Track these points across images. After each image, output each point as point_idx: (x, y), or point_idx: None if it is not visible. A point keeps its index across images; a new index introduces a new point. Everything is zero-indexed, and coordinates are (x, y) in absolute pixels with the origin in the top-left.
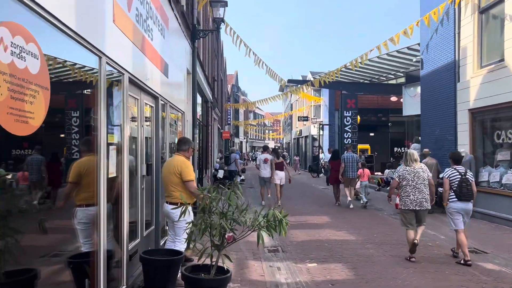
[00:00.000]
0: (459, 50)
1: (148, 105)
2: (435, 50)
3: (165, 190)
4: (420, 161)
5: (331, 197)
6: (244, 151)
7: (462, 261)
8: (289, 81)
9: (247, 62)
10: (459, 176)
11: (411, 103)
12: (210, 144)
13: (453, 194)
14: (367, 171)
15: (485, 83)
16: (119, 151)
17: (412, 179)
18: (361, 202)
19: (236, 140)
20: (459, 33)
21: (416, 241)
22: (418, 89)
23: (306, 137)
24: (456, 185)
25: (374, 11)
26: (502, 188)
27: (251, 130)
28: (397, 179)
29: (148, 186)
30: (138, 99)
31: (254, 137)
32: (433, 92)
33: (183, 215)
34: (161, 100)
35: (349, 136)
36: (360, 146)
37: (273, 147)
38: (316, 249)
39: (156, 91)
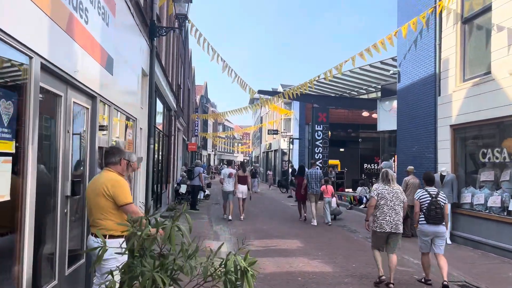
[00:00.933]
0: (440, 62)
1: (82, 106)
2: (414, 62)
3: (89, 217)
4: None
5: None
6: (212, 164)
7: (422, 280)
8: (259, 91)
9: (217, 73)
10: (429, 198)
11: (386, 117)
12: (173, 156)
13: (423, 216)
14: (330, 187)
15: (469, 97)
16: (17, 163)
17: (391, 199)
18: (328, 219)
19: (204, 153)
20: (440, 44)
21: (392, 285)
22: (394, 103)
23: (275, 151)
24: (425, 208)
25: (345, 30)
26: (487, 211)
27: (219, 142)
28: (375, 197)
29: (76, 209)
30: (61, 96)
31: (223, 150)
32: (411, 106)
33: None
34: (102, 101)
35: (320, 151)
36: (330, 162)
37: (241, 160)
38: (287, 285)
39: (93, 89)
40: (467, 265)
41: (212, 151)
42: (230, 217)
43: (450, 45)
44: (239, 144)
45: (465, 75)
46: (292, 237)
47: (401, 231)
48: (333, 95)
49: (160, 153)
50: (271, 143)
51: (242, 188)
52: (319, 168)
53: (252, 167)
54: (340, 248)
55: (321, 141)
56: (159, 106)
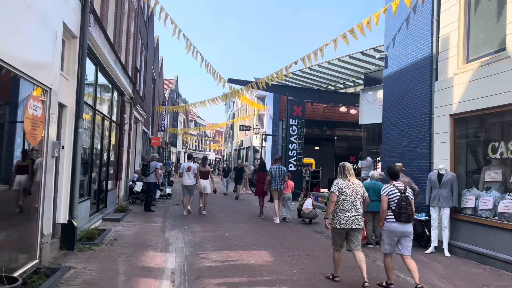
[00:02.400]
0: (437, 41)
1: None
2: (404, 44)
3: None
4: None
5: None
6: (182, 161)
7: (384, 283)
8: (230, 80)
9: (191, 70)
10: (399, 194)
11: (370, 110)
12: (127, 148)
13: (391, 214)
14: (291, 183)
15: (475, 80)
16: None
17: (351, 194)
18: (287, 215)
19: (174, 150)
20: (438, 20)
21: (366, 283)
22: (379, 93)
23: (247, 148)
24: (395, 204)
25: (322, 27)
26: (497, 218)
27: (191, 140)
28: (336, 193)
29: None
30: None
31: (194, 148)
32: (400, 95)
33: None
34: None
35: (295, 148)
36: (304, 160)
37: (204, 156)
38: None
39: None
40: None
41: (183, 148)
42: (185, 213)
43: (451, 21)
44: (211, 142)
45: (470, 55)
46: (259, 246)
47: (362, 226)
48: (310, 88)
49: (106, 143)
50: (243, 140)
51: (204, 183)
52: (282, 165)
53: (225, 165)
54: (320, 262)
55: (296, 137)
56: (106, 88)
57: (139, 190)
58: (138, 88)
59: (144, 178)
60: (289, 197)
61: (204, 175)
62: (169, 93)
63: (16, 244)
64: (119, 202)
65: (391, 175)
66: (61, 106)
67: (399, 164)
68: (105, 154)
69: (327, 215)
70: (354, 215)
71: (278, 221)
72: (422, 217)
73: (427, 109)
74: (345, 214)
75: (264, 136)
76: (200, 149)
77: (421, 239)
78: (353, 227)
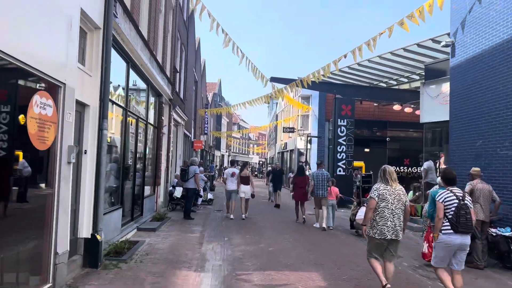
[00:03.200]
0: None
1: None
2: (476, 27)
3: None
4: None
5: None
6: (225, 165)
7: None
8: (272, 79)
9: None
10: (456, 201)
11: (432, 106)
12: (165, 152)
13: (448, 224)
14: (335, 189)
15: None
16: None
17: (392, 202)
18: (328, 224)
19: (217, 153)
20: None
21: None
22: (444, 86)
23: (291, 151)
24: (452, 213)
25: (368, 26)
26: None
27: (234, 143)
28: (376, 199)
29: None
30: None
31: (237, 151)
32: (472, 87)
33: None
34: None
35: (343, 150)
36: (354, 164)
37: (245, 161)
38: None
39: None
40: None
41: (226, 151)
42: (232, 216)
43: None
44: (255, 145)
45: None
46: (310, 266)
47: (401, 237)
48: (359, 85)
49: (142, 146)
50: (286, 143)
51: (245, 188)
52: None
53: (270, 168)
54: None
55: (344, 138)
56: (142, 87)
57: (179, 196)
58: (177, 90)
59: (184, 184)
60: (333, 204)
61: (244, 180)
62: (212, 97)
63: (26, 265)
64: (157, 209)
65: (448, 180)
66: (82, 105)
67: (476, 169)
68: (141, 158)
69: (364, 222)
70: (395, 225)
71: (318, 226)
72: (508, 232)
73: (511, 102)
74: (386, 223)
75: (309, 138)
76: (243, 152)
77: (506, 259)
78: (394, 238)
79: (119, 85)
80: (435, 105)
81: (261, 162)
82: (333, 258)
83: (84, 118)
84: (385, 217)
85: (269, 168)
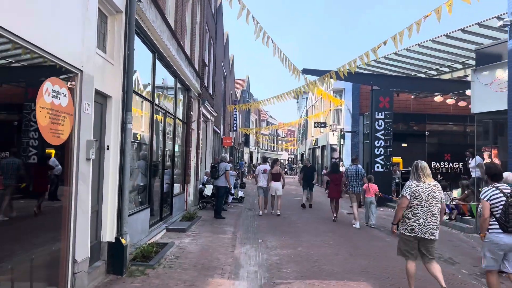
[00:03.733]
0: None
1: None
2: None
3: None
4: None
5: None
6: (254, 161)
7: None
8: (305, 71)
9: (260, 68)
10: (504, 199)
11: (485, 94)
12: (195, 149)
13: (495, 223)
14: (373, 186)
15: None
16: None
17: (426, 199)
18: (373, 221)
19: (246, 150)
20: None
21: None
22: (500, 72)
23: (323, 147)
24: (499, 211)
25: (394, 23)
26: None
27: (263, 140)
28: (408, 197)
29: None
30: None
31: (266, 148)
32: None
33: None
34: None
35: (382, 145)
36: (392, 160)
37: (275, 158)
38: None
39: None
40: None
41: (255, 148)
42: (261, 212)
43: None
44: (284, 142)
45: None
46: (357, 275)
47: (436, 238)
48: (397, 75)
49: (171, 143)
50: (318, 138)
51: (276, 185)
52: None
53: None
54: None
55: (382, 132)
56: (169, 81)
57: (209, 194)
58: (206, 85)
59: (214, 181)
60: (372, 202)
61: (275, 177)
62: (240, 93)
63: (42, 273)
64: (187, 207)
65: (493, 176)
66: (104, 96)
67: None
68: (170, 155)
69: (394, 220)
70: (429, 223)
71: (358, 226)
72: None
73: None
74: (419, 221)
75: (342, 133)
76: (272, 149)
77: None
78: (426, 237)
79: (144, 77)
80: (488, 93)
81: (290, 159)
82: (382, 265)
83: (106, 110)
84: (418, 214)
85: (300, 165)
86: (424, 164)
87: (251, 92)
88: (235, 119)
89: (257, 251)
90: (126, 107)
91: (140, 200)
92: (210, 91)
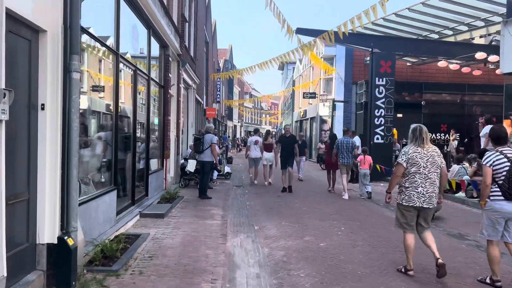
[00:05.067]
0: None
1: None
2: None
3: None
4: None
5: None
6: (238, 135)
7: (488, 279)
8: (299, 30)
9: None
10: (508, 164)
11: None
12: (175, 119)
13: (498, 190)
14: (368, 158)
15: None
16: None
17: (425, 166)
18: (364, 193)
19: (230, 124)
20: None
21: (440, 260)
22: None
23: (312, 119)
24: (502, 177)
25: None
26: None
27: (246, 113)
28: (404, 164)
29: None
30: None
31: (250, 121)
32: None
33: None
34: None
35: (382, 114)
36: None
37: (267, 129)
38: None
39: None
40: None
41: (238, 122)
42: (255, 181)
43: None
44: (267, 115)
45: None
46: (392, 275)
47: (435, 205)
48: (401, 36)
49: (144, 109)
50: (306, 110)
51: (268, 155)
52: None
53: (299, 139)
54: None
55: (383, 100)
56: (140, 31)
57: (192, 170)
58: (187, 45)
59: (198, 156)
60: (366, 173)
61: (267, 148)
62: (223, 63)
63: None
64: (167, 186)
65: (496, 138)
66: (34, 30)
67: None
68: (144, 125)
69: (389, 189)
70: (428, 191)
71: (346, 197)
72: None
73: None
74: (417, 189)
75: (333, 103)
76: (256, 122)
77: None
78: (425, 206)
79: (106, 23)
80: None
81: (273, 132)
82: (420, 260)
83: (39, 52)
84: (416, 182)
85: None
86: (424, 128)
87: (234, 64)
88: (218, 89)
89: (254, 242)
90: (71, 49)
91: (103, 180)
92: (192, 54)
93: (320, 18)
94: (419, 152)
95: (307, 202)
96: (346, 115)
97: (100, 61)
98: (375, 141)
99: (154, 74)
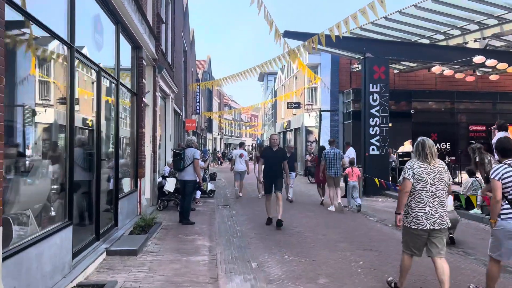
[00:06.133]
0: None
1: None
2: None
3: None
4: None
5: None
6: (218, 148)
7: None
8: (286, 33)
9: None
10: None
11: None
12: (149, 130)
13: (508, 206)
14: (356, 170)
15: None
16: None
17: (432, 182)
18: (353, 206)
19: (209, 136)
20: None
21: None
22: None
23: (297, 130)
24: None
25: None
26: None
27: (226, 125)
28: (411, 180)
29: None
30: None
31: (229, 134)
32: None
33: None
34: None
35: (377, 123)
36: None
37: (251, 144)
38: None
39: None
40: None
41: (218, 134)
42: (241, 194)
43: None
44: (247, 127)
45: None
46: None
47: (447, 225)
48: (393, 40)
49: (113, 119)
50: (290, 121)
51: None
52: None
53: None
54: None
55: (377, 108)
56: (107, 27)
57: (171, 190)
58: (164, 49)
59: (178, 174)
60: (355, 186)
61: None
62: (202, 75)
63: None
64: (141, 210)
65: (502, 150)
66: None
67: None
68: (111, 138)
69: (398, 209)
70: (437, 211)
71: (332, 209)
72: None
73: None
74: (425, 209)
75: (319, 113)
76: (235, 134)
77: None
78: (436, 227)
79: (58, 14)
80: None
81: (254, 145)
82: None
83: None
84: (423, 201)
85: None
86: (430, 142)
87: (213, 75)
88: (197, 101)
89: (253, 280)
90: None
91: (52, 214)
92: (169, 60)
93: (304, 22)
94: (425, 167)
95: (306, 225)
96: (334, 125)
97: (46, 54)
98: (371, 152)
99: (125, 79)
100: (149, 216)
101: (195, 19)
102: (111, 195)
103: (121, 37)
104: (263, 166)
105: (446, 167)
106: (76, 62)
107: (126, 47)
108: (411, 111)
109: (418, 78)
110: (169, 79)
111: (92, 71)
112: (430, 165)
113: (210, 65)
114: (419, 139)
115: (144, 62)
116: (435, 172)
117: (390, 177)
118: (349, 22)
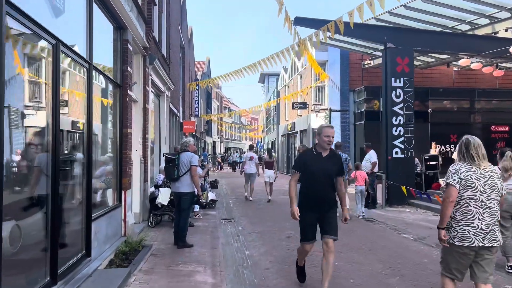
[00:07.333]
0: None
1: None
2: None
3: None
4: None
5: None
6: (218, 152)
7: None
8: (297, 20)
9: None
10: None
11: None
12: (137, 131)
13: None
14: (363, 173)
15: None
16: None
17: (482, 190)
18: (361, 212)
19: (209, 140)
20: None
21: None
22: None
23: (302, 132)
24: None
25: None
26: None
27: (226, 128)
28: (457, 186)
29: None
30: None
31: (229, 137)
32: None
33: None
34: None
35: (401, 123)
36: None
37: (269, 147)
38: None
39: None
40: None
41: (218, 137)
42: (250, 198)
43: None
44: (247, 130)
45: None
46: None
47: (499, 242)
48: (415, 28)
49: (83, 116)
50: (294, 122)
51: (269, 173)
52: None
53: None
54: None
55: (401, 105)
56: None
57: (165, 203)
58: (157, 38)
59: (172, 185)
60: (362, 190)
61: (268, 165)
62: (201, 76)
63: None
64: (127, 230)
65: None
66: None
67: None
68: (78, 138)
69: (442, 223)
70: (488, 225)
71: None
72: None
73: None
74: (473, 222)
75: (329, 112)
76: (235, 138)
77: None
78: (486, 244)
79: None
80: None
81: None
82: None
83: None
84: (470, 212)
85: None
86: (477, 140)
87: (212, 77)
88: (196, 102)
89: None
90: None
91: None
92: (163, 51)
93: (313, 9)
94: (475, 171)
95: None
96: (344, 126)
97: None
98: (394, 155)
99: (102, 60)
100: (137, 237)
101: (195, 18)
102: (79, 215)
103: (98, 10)
104: (299, 184)
105: (498, 172)
106: (8, 19)
107: (106, 26)
108: (429, 110)
109: (434, 75)
110: (163, 74)
111: (45, 43)
112: (480, 169)
113: (209, 67)
114: (463, 137)
115: (130, 47)
116: (486, 177)
117: (419, 182)
118: (373, 4)
